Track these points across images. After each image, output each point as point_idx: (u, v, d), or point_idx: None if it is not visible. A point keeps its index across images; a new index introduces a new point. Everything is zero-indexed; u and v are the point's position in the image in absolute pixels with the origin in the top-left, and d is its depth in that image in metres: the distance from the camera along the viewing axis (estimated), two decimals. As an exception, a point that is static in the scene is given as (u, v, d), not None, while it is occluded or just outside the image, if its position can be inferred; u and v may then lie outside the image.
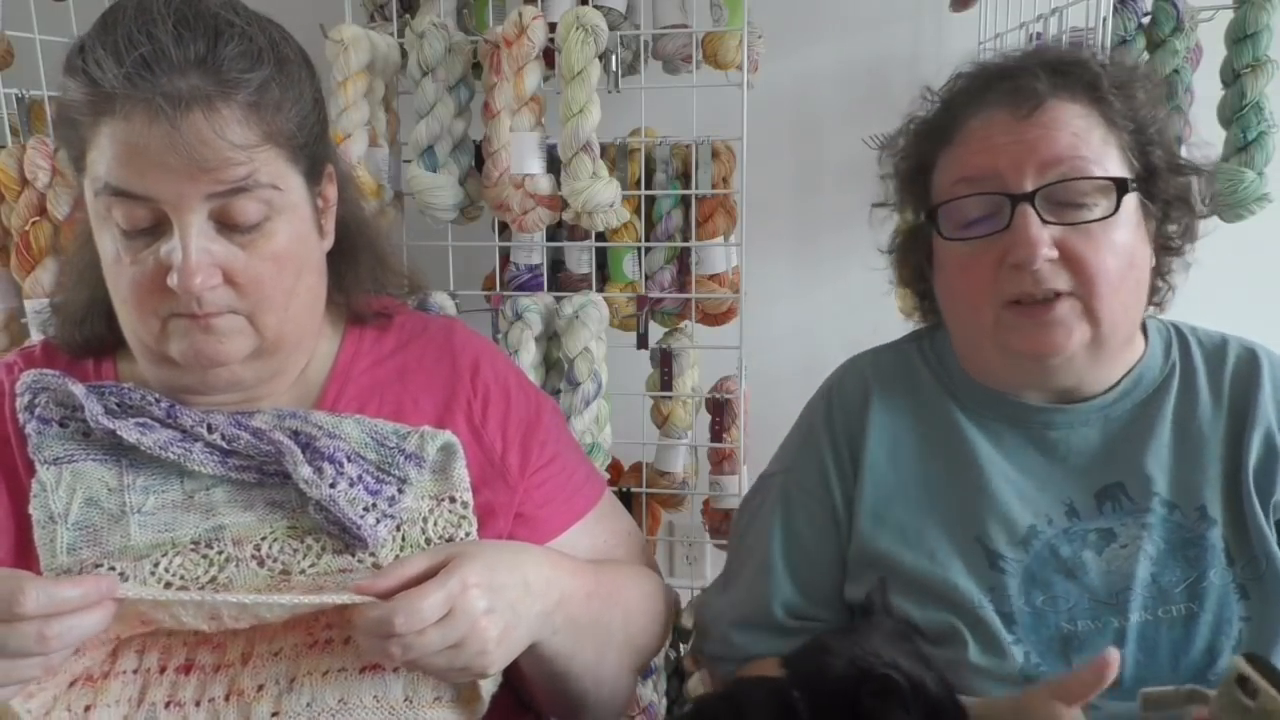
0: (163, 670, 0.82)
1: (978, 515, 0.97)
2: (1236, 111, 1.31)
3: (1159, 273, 1.01)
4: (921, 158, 1.03)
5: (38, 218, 1.38)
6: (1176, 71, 1.33)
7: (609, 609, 0.96)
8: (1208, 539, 0.94)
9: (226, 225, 0.83)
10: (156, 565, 0.84)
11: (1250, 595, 0.92)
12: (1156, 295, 1.03)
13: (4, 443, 0.89)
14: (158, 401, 0.89)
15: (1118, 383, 1.00)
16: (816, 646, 0.86)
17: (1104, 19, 1.33)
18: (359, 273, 1.00)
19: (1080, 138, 0.93)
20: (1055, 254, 0.92)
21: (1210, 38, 1.37)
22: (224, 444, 0.88)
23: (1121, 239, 0.93)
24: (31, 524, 0.85)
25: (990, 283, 0.95)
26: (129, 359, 0.95)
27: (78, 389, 0.88)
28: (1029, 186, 0.92)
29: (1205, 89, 1.35)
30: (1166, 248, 1.00)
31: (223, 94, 0.79)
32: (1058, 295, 0.93)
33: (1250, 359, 1.02)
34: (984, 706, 0.87)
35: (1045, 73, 0.95)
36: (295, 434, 0.89)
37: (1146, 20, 1.36)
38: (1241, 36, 1.30)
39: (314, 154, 0.89)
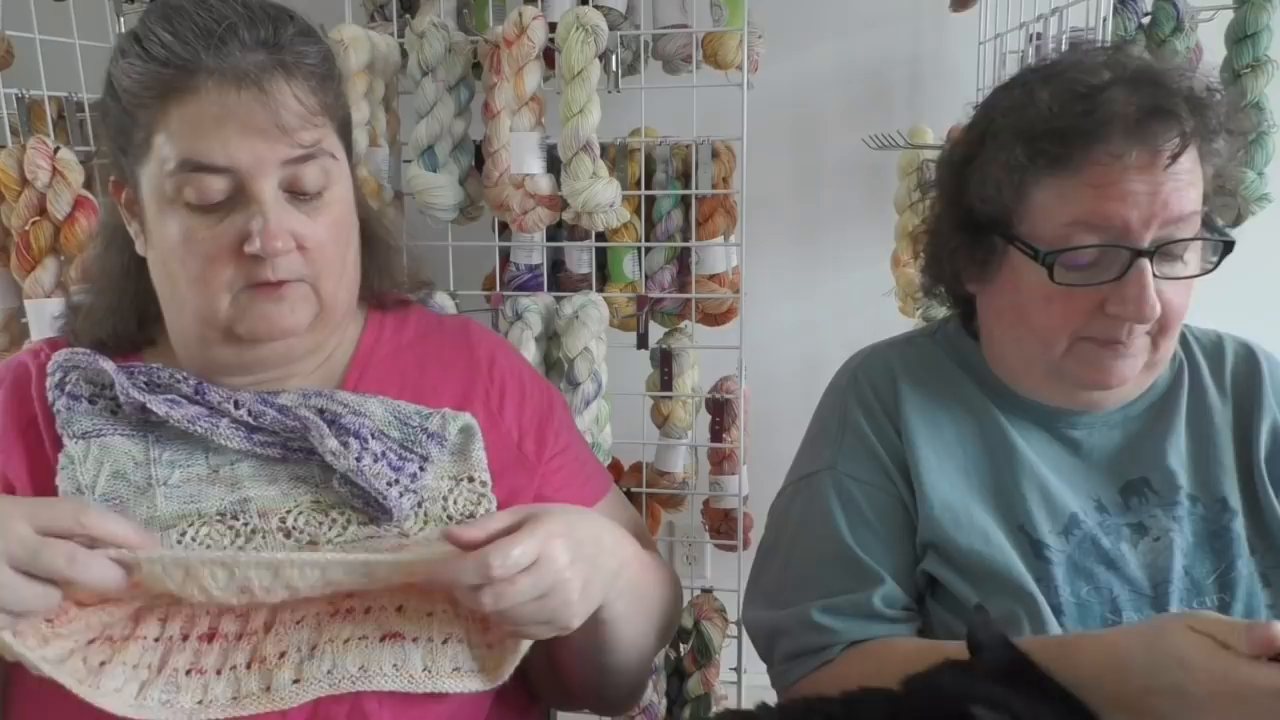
0: (185, 638, 0.84)
1: (1019, 504, 0.97)
2: (1236, 112, 1.31)
3: None
4: (1022, 172, 0.92)
5: (38, 218, 1.38)
6: (1176, 71, 1.34)
7: (654, 583, 1.00)
8: (1232, 530, 0.95)
9: (294, 194, 0.87)
10: (183, 535, 0.87)
11: (1273, 584, 0.93)
12: None
13: (30, 421, 0.91)
14: (185, 379, 0.92)
15: None
16: (932, 686, 0.82)
17: (1104, 19, 1.34)
18: (376, 261, 1.03)
19: (1197, 188, 0.90)
20: (1159, 308, 0.90)
21: (1210, 38, 1.37)
22: (250, 420, 0.90)
23: (1194, 283, 0.93)
24: (55, 497, 0.87)
25: (1079, 321, 0.92)
26: (158, 354, 0.97)
27: (108, 365, 0.91)
28: (1149, 241, 0.88)
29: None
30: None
31: (295, 64, 0.86)
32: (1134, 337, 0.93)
33: (1248, 354, 1.03)
34: (1097, 644, 0.81)
35: (1187, 109, 0.88)
36: (321, 411, 0.92)
37: (1146, 20, 1.36)
38: (1241, 36, 1.30)
39: (348, 133, 0.95)
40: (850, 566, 0.98)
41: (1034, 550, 0.95)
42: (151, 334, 0.97)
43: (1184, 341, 1.04)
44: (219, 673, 0.83)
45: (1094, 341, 0.92)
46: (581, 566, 0.82)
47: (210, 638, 0.84)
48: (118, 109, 0.87)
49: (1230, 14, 1.32)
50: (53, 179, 1.37)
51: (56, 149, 1.38)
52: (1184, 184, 0.88)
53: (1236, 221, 1.00)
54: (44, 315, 1.39)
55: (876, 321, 1.66)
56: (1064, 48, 1.38)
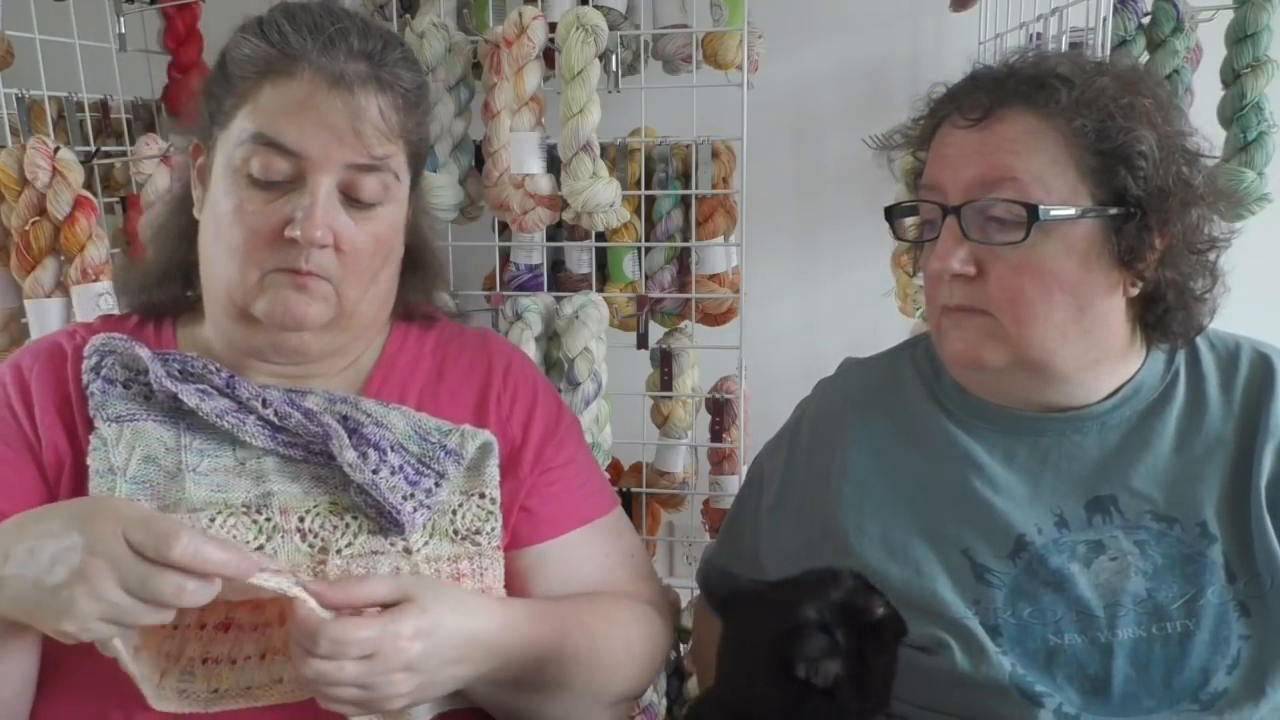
0: (202, 627, 0.85)
1: (965, 528, 0.96)
2: (1236, 111, 1.30)
3: (1152, 299, 0.95)
4: (917, 159, 1.04)
5: (38, 218, 1.38)
6: (1176, 71, 1.33)
7: (571, 669, 0.95)
8: (1208, 555, 0.92)
9: (348, 198, 0.92)
10: (212, 521, 0.89)
11: (1252, 613, 0.90)
12: (1160, 320, 0.96)
13: (65, 400, 0.94)
14: (218, 371, 0.94)
15: (1116, 391, 0.97)
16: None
17: (1104, 19, 1.33)
18: (418, 285, 1.07)
19: (1020, 156, 0.90)
20: (971, 270, 0.92)
21: (1210, 38, 1.37)
22: (276, 420, 0.92)
23: (1046, 264, 0.90)
24: (86, 476, 0.89)
25: (933, 288, 0.97)
26: (190, 324, 1.01)
27: (144, 352, 0.93)
28: (955, 200, 0.93)
29: (1205, 89, 1.35)
30: (1140, 276, 0.93)
31: (390, 82, 0.93)
32: (965, 309, 0.93)
33: (1264, 366, 0.98)
34: None
35: (1011, 83, 0.92)
36: (344, 419, 0.94)
37: (1146, 20, 1.36)
38: (1241, 36, 1.29)
39: (418, 170, 1.02)
40: (736, 532, 1.16)
41: (975, 574, 0.95)
42: (192, 300, 1.01)
43: (1192, 350, 1.00)
44: (233, 663, 0.85)
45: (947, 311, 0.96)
46: (418, 674, 0.82)
47: (226, 627, 0.86)
48: (221, 76, 0.93)
49: (1230, 14, 1.32)
50: (53, 179, 1.37)
51: (56, 149, 1.38)
52: (995, 148, 0.91)
53: (1175, 214, 0.92)
54: (45, 315, 1.39)
55: (876, 321, 1.66)
56: (1064, 48, 1.39)
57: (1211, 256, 0.96)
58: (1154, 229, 0.91)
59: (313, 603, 0.79)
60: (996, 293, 0.92)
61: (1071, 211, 0.90)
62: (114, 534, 0.72)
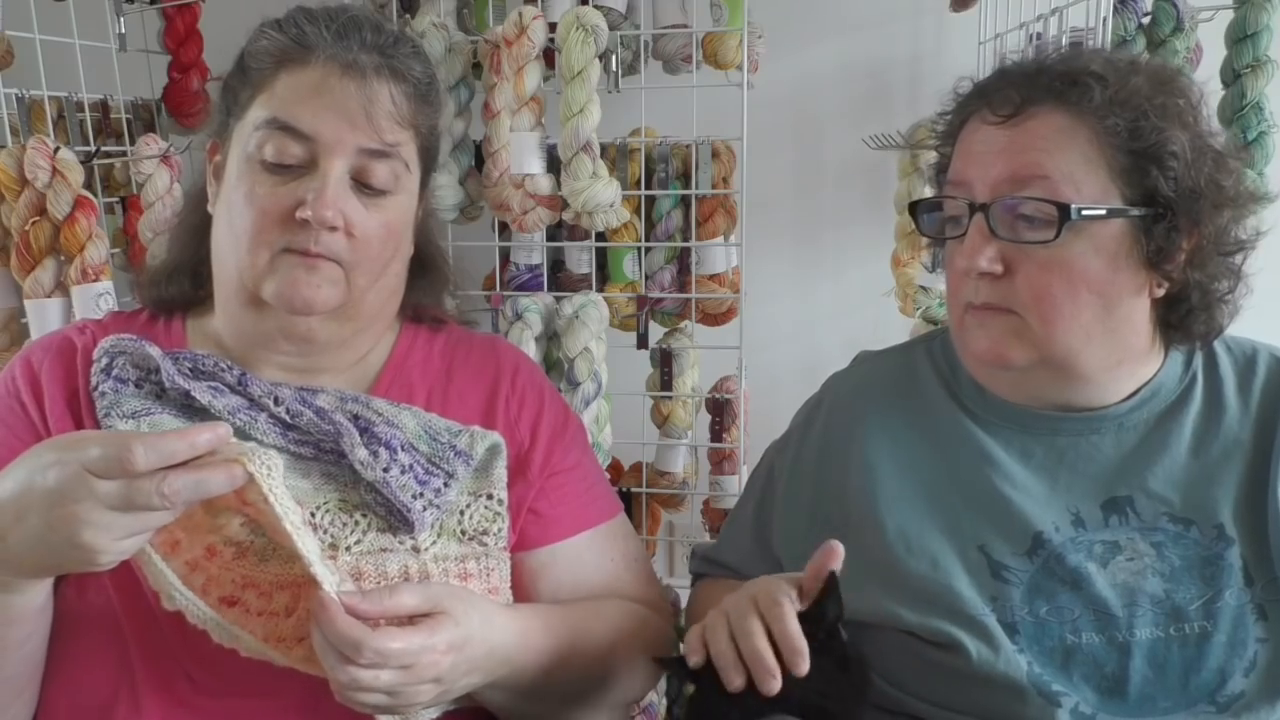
0: (205, 594, 0.85)
1: (982, 524, 0.96)
2: (1236, 111, 1.31)
3: (1176, 300, 0.95)
4: (941, 155, 1.03)
5: (38, 218, 1.38)
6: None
7: (576, 676, 0.98)
8: (1225, 558, 0.92)
9: (360, 184, 0.94)
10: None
11: (1270, 616, 0.90)
12: (1183, 321, 0.96)
13: (73, 395, 0.95)
14: (229, 369, 0.95)
15: (1134, 393, 0.97)
16: None
17: (1104, 19, 1.33)
18: (426, 286, 1.08)
19: (1051, 154, 0.89)
20: (999, 268, 0.91)
21: (1210, 38, 1.37)
22: (287, 418, 0.93)
23: (1075, 264, 0.90)
24: (93, 433, 0.89)
25: (957, 286, 0.96)
26: (199, 316, 1.03)
27: (154, 351, 0.94)
28: (984, 198, 0.92)
29: (1205, 89, 1.35)
30: (1168, 277, 0.93)
31: (402, 72, 0.96)
32: (990, 307, 0.93)
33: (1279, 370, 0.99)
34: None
35: (1043, 80, 0.92)
36: (355, 417, 0.94)
37: (1146, 20, 1.36)
38: (1241, 36, 1.30)
39: (428, 166, 1.03)
40: (736, 529, 1.15)
41: (992, 570, 0.94)
42: (202, 295, 1.02)
43: (1210, 354, 1.00)
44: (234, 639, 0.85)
45: (971, 308, 0.95)
46: (442, 684, 0.83)
47: (232, 603, 0.86)
48: (239, 70, 0.97)
49: (1230, 14, 1.32)
50: (53, 179, 1.37)
51: (56, 149, 1.38)
52: (1025, 145, 0.90)
53: (1212, 214, 0.92)
54: (45, 315, 1.39)
55: (876, 321, 1.67)
56: (1064, 47, 1.39)
57: (1238, 259, 0.96)
58: (1183, 230, 0.91)
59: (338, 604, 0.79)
60: (1024, 291, 0.91)
61: (1102, 211, 0.89)
62: (76, 473, 0.71)
